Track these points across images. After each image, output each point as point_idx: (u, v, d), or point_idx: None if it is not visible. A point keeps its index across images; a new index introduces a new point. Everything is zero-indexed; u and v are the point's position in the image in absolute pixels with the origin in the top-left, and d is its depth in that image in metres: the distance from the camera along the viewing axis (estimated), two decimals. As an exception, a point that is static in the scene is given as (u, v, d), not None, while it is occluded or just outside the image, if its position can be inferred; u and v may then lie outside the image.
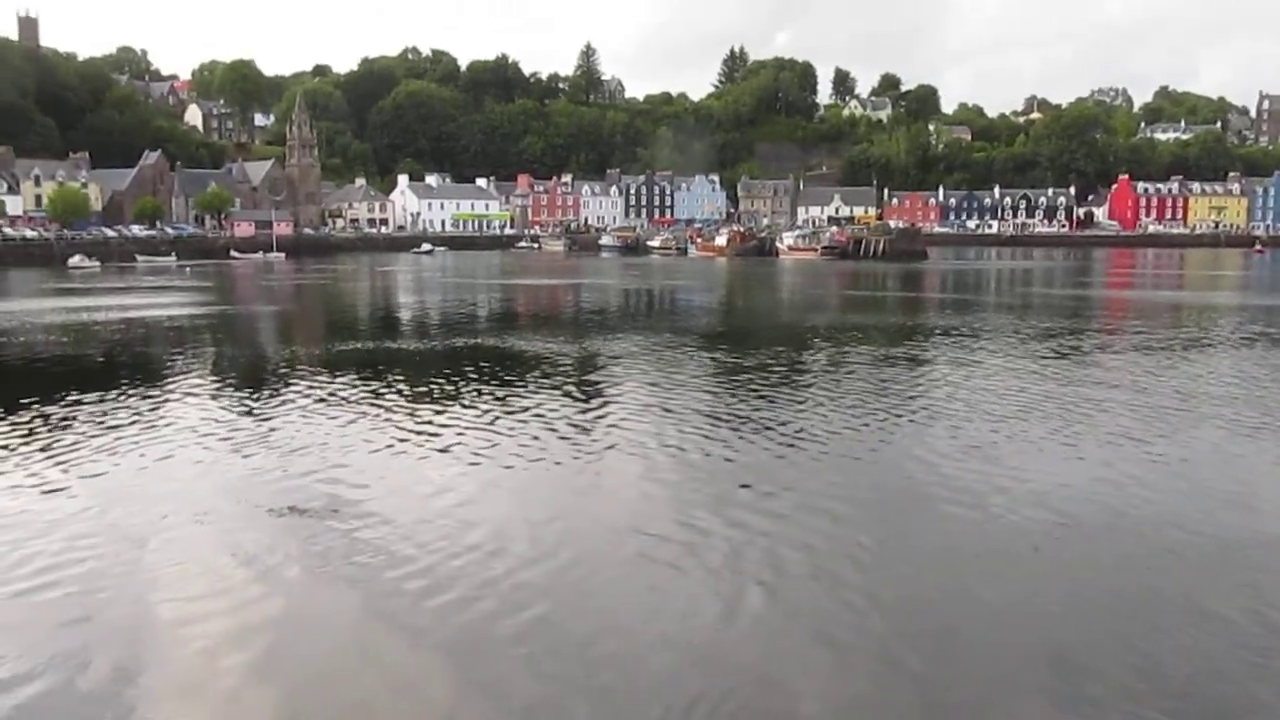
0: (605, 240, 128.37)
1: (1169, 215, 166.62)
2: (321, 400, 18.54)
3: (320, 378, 21.31)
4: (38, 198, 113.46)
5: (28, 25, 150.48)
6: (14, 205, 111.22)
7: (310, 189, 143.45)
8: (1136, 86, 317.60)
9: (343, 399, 18.69)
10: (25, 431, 15.68)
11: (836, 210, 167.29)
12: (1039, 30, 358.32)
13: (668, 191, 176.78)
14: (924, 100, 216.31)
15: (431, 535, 10.53)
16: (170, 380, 21.26)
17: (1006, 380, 20.77)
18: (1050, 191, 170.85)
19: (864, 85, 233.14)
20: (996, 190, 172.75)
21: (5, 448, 14.53)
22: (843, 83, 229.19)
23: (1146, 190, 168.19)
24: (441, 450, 14.45)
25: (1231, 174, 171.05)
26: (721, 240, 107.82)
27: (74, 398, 18.64)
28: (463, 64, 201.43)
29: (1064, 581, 9.48)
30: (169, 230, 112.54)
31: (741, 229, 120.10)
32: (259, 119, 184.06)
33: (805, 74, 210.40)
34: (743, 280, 67.61)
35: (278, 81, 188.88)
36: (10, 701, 7.18)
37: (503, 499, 12.11)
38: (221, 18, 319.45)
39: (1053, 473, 13.22)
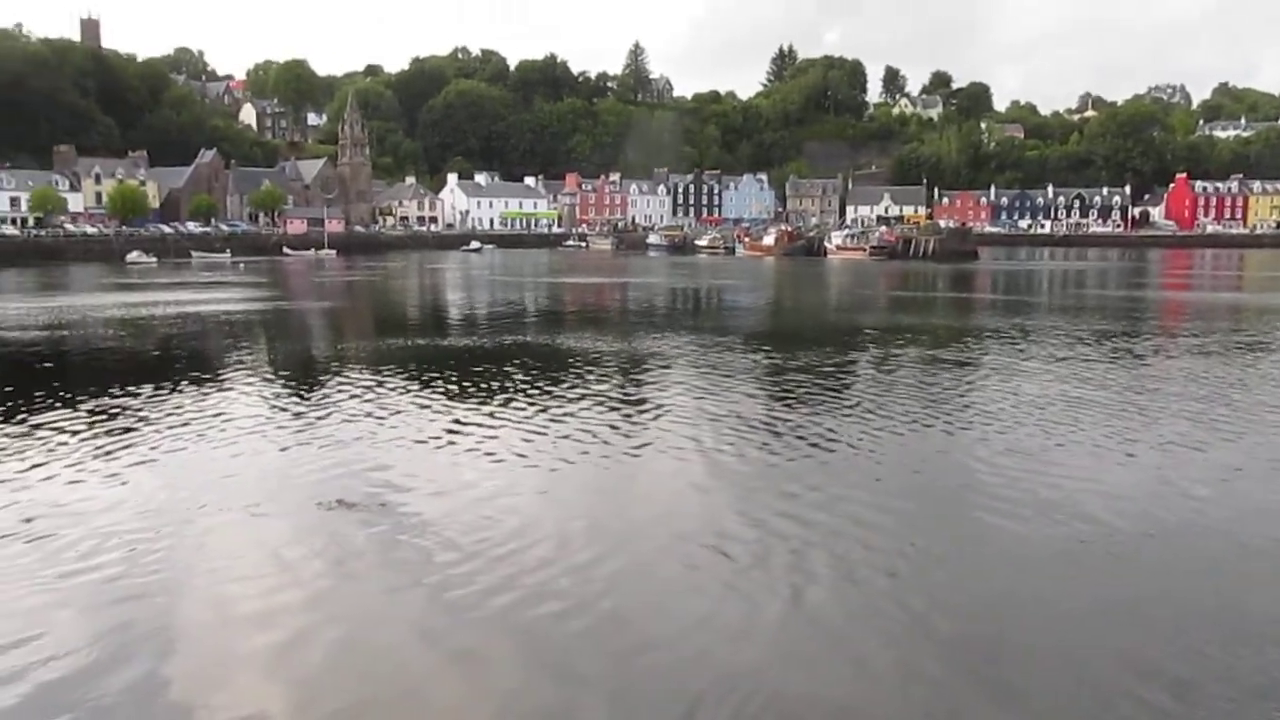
0: (652, 239, 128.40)
1: (1228, 215, 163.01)
2: (370, 395, 18.75)
3: (369, 373, 21.55)
4: (98, 195, 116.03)
5: (90, 27, 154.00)
6: (75, 202, 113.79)
7: (361, 187, 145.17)
8: (1195, 83, 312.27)
9: (391, 395, 18.89)
10: (85, 421, 16.04)
11: (885, 210, 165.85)
12: (1094, 27, 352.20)
13: (715, 190, 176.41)
14: (976, 98, 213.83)
15: (474, 532, 10.60)
16: (223, 374, 21.63)
17: (1058, 383, 20.45)
18: (1105, 191, 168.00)
19: (914, 83, 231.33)
20: (1050, 189, 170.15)
21: (67, 436, 14.88)
22: (893, 81, 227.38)
23: (1205, 189, 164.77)
24: (487, 447, 14.54)
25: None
26: (769, 240, 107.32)
27: (131, 389, 19.04)
28: (512, 63, 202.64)
29: (1113, 591, 9.29)
30: (223, 227, 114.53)
31: (789, 228, 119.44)
32: (312, 118, 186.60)
33: (855, 72, 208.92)
34: (790, 280, 67.28)
35: (330, 81, 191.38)
36: (59, 677, 7.37)
37: (546, 498, 12.15)
38: (276, 19, 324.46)
39: (1105, 478, 12.98)
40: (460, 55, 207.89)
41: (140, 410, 17.10)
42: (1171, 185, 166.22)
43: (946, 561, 9.97)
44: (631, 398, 18.57)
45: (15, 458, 13.67)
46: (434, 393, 19.07)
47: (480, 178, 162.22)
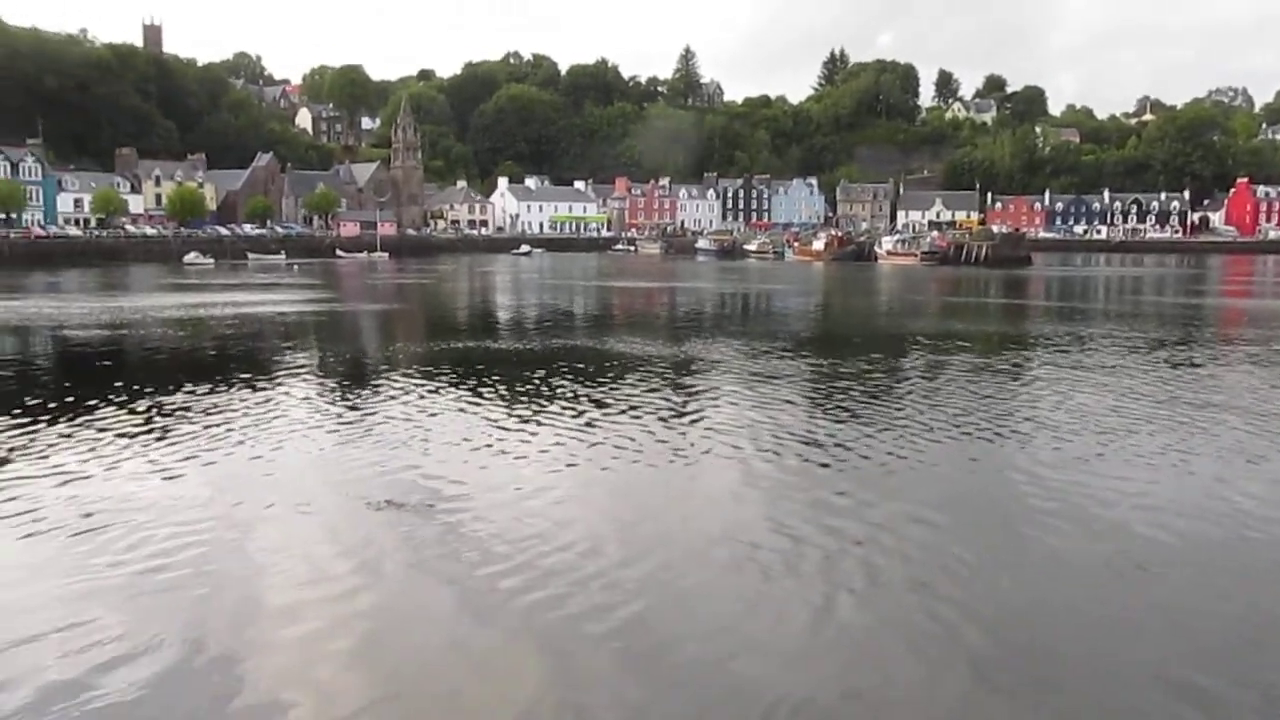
0: (701, 243, 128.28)
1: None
2: (420, 397, 18.95)
3: (419, 375, 21.78)
4: (158, 197, 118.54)
5: (152, 33, 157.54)
6: (136, 204, 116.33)
7: (413, 190, 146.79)
8: (1257, 85, 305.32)
9: (440, 397, 19.07)
10: (142, 418, 16.39)
11: (937, 215, 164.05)
12: (1152, 29, 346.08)
13: (765, 195, 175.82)
14: (1030, 102, 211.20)
15: (524, 533, 10.66)
16: (277, 374, 21.98)
17: (1114, 391, 20.11)
18: (1163, 196, 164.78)
19: (968, 87, 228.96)
20: (1106, 194, 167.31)
21: (125, 432, 15.22)
22: (946, 84, 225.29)
23: (1267, 194, 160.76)
24: (537, 449, 14.62)
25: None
26: (819, 244, 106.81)
27: (188, 387, 19.42)
28: (563, 68, 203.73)
29: (1170, 603, 9.11)
30: (278, 229, 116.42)
31: (839, 233, 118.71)
32: (366, 122, 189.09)
33: (907, 76, 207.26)
34: (839, 285, 66.86)
35: (384, 86, 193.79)
36: (103, 663, 7.56)
37: (595, 500, 12.21)
38: (332, 24, 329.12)
39: (1162, 489, 12.72)
40: (512, 60, 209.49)
41: (196, 408, 17.44)
42: (1232, 190, 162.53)
43: (982, 572, 9.84)
44: (676, 403, 18.57)
45: (76, 452, 14.01)
46: (482, 395, 19.22)
47: (530, 182, 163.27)
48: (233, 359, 25.67)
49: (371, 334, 34.56)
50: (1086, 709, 7.27)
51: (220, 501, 11.78)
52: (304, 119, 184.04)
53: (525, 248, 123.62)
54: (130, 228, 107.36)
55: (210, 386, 19.76)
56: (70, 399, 18.41)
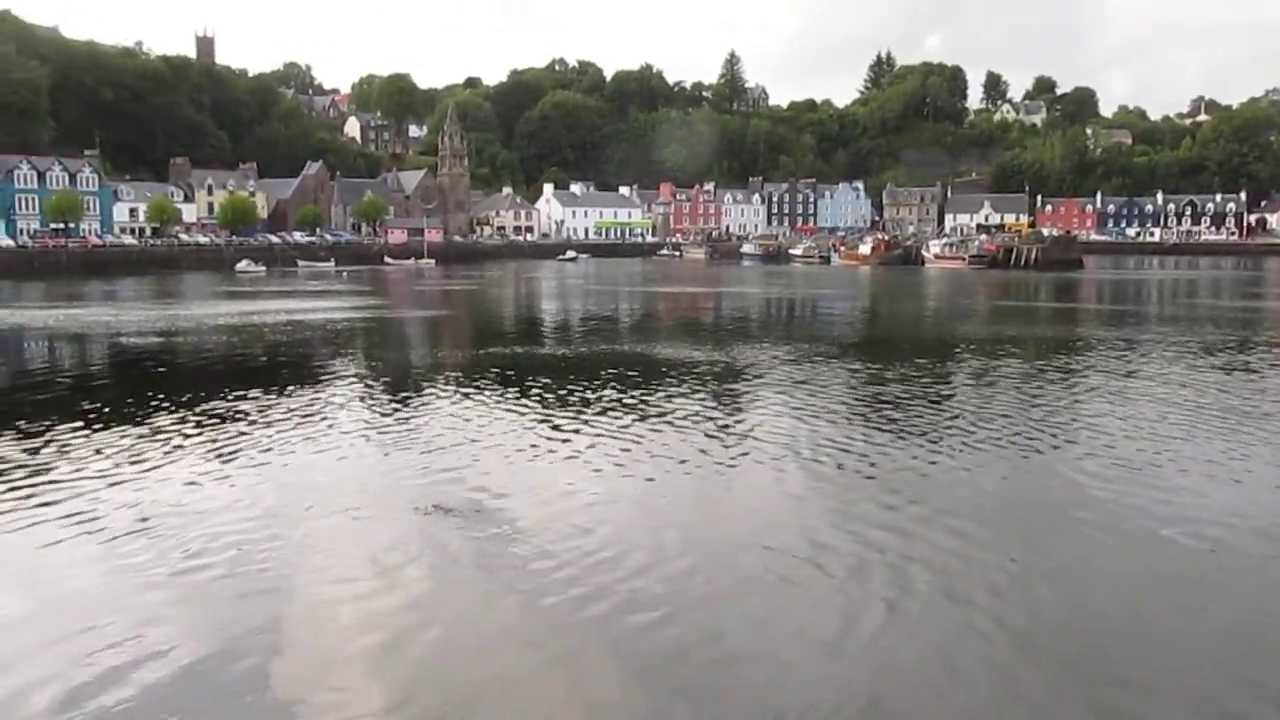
0: (746, 248, 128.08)
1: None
2: (468, 403, 19.10)
3: (467, 380, 21.96)
4: (210, 205, 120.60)
5: (205, 44, 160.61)
6: (189, 213, 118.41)
7: (460, 197, 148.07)
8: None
9: (489, 402, 19.21)
10: (196, 425, 16.69)
11: (986, 218, 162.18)
12: (1206, 28, 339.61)
13: (810, 199, 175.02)
14: (1081, 103, 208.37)
15: (567, 540, 10.70)
16: (328, 380, 22.28)
17: (1167, 397, 19.74)
18: (1219, 197, 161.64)
19: (1017, 89, 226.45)
20: (1159, 196, 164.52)
21: (181, 439, 15.51)
22: (994, 86, 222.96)
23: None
24: (582, 456, 14.67)
25: None
26: (865, 249, 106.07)
27: (241, 394, 19.74)
28: (608, 74, 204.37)
29: (1216, 619, 8.86)
30: (328, 237, 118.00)
31: (886, 237, 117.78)
32: (413, 130, 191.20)
33: (954, 78, 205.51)
34: (887, 290, 66.34)
35: (431, 94, 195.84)
36: (164, 672, 7.67)
37: (639, 507, 12.21)
38: (380, 34, 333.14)
39: (1217, 497, 12.44)
40: (557, 67, 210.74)
41: (248, 414, 17.72)
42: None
43: (1048, 578, 9.68)
44: (721, 409, 18.54)
45: (132, 456, 14.30)
46: (528, 401, 19.32)
47: (575, 188, 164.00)
48: (284, 365, 26.06)
49: (419, 340, 34.90)
50: (1160, 718, 7.14)
51: (271, 506, 11.96)
52: (352, 128, 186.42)
53: (570, 253, 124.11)
54: (184, 236, 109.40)
55: (262, 392, 20.07)
56: (127, 404, 18.82)
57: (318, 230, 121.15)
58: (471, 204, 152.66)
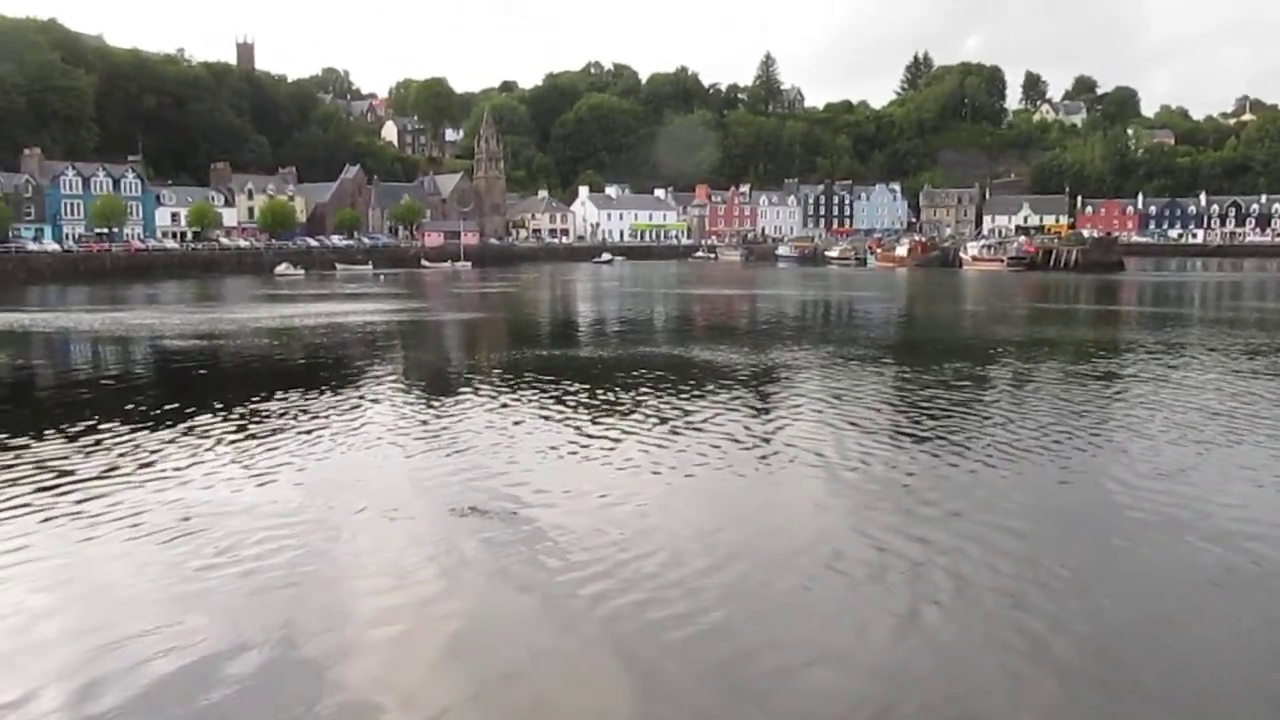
0: (782, 250, 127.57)
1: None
2: (504, 405, 19.18)
3: (504, 383, 22.05)
4: (250, 210, 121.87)
5: (245, 51, 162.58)
6: (230, 217, 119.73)
7: (496, 200, 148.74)
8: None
9: (524, 404, 19.28)
10: (236, 425, 16.90)
11: (1025, 219, 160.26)
12: (1250, 26, 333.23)
13: (847, 201, 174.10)
14: (1122, 103, 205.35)
15: (606, 541, 10.71)
16: (365, 382, 22.46)
17: (1213, 401, 19.42)
18: (1264, 198, 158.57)
19: (1056, 89, 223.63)
20: (1202, 197, 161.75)
21: (222, 441, 15.71)
22: (1033, 86, 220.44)
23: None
24: (619, 458, 14.69)
25: None
26: (902, 250, 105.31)
27: (280, 395, 19.97)
28: (643, 76, 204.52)
29: (1258, 623, 8.72)
30: (365, 240, 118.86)
31: (923, 239, 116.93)
32: (449, 134, 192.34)
33: (993, 79, 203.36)
34: (924, 292, 65.84)
35: (467, 98, 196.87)
36: (192, 662, 7.82)
37: (677, 508, 12.20)
38: (417, 39, 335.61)
39: (1255, 503, 12.24)
40: (593, 70, 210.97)
41: (288, 415, 17.91)
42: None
43: (1075, 585, 9.55)
44: (758, 411, 18.48)
45: (175, 457, 14.51)
46: (565, 403, 19.37)
47: (611, 190, 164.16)
48: (323, 367, 26.31)
49: (456, 343, 35.09)
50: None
51: (310, 506, 12.09)
52: (390, 132, 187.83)
53: (606, 256, 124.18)
54: (224, 240, 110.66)
55: (301, 394, 20.27)
56: (170, 406, 19.07)
57: (355, 234, 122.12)
58: (507, 207, 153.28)
